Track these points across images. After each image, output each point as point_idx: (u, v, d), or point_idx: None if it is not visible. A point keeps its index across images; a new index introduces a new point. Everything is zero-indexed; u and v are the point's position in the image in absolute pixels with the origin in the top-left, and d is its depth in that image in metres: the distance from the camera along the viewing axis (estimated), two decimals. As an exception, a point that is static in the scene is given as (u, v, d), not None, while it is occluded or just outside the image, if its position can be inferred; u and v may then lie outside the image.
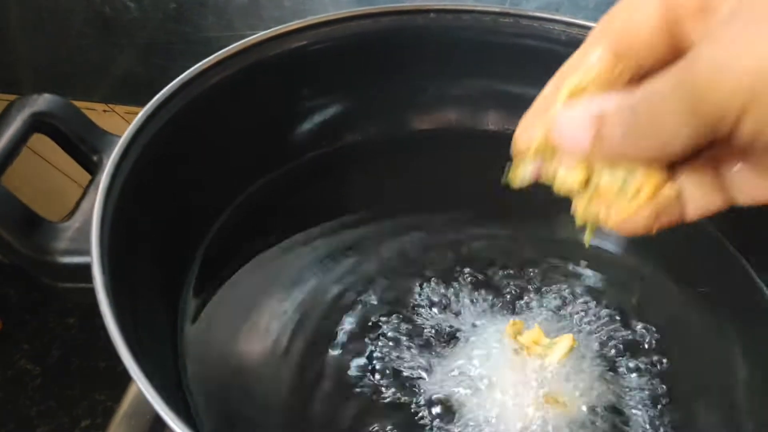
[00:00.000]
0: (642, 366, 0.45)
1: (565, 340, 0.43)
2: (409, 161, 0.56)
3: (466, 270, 0.49)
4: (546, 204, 0.53)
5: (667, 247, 0.48)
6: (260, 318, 0.46)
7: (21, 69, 0.75)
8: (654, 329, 0.47)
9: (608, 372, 0.44)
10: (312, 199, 0.53)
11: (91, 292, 0.37)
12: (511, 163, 0.32)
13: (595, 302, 0.48)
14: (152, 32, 0.71)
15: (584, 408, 0.42)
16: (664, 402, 0.43)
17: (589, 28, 0.54)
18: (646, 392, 0.43)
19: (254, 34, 0.51)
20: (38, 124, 0.45)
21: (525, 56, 0.55)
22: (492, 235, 0.52)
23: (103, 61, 0.73)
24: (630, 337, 0.46)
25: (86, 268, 0.38)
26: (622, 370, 0.44)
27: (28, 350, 0.57)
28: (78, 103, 0.48)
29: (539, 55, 0.55)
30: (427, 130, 0.58)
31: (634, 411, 0.43)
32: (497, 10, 0.55)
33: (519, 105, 0.57)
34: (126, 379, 0.34)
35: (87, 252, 0.38)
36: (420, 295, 0.47)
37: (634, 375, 0.44)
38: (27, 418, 0.53)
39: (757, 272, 0.51)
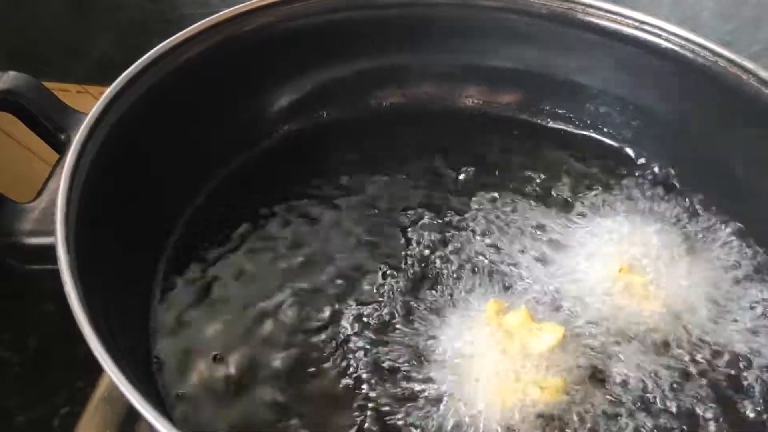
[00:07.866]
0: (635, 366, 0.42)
1: (555, 331, 0.40)
2: (388, 136, 0.55)
3: (447, 241, 0.48)
4: (530, 181, 0.53)
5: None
6: (233, 295, 0.45)
7: (-7, 50, 0.74)
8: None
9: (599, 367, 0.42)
10: (287, 175, 0.52)
11: (58, 274, 0.36)
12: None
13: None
14: (128, 12, 0.70)
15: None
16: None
17: (572, 1, 0.53)
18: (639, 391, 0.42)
19: (230, 10, 0.50)
20: (3, 102, 0.44)
21: (506, 31, 0.55)
22: (474, 208, 0.51)
23: (78, 42, 0.72)
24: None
25: (52, 249, 0.37)
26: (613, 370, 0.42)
27: (6, 339, 0.56)
28: (52, 85, 0.47)
29: (520, 29, 0.54)
30: (405, 105, 0.57)
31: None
32: (478, -16, 0.54)
33: (499, 79, 0.58)
34: (104, 365, 0.34)
35: (53, 232, 0.37)
36: (401, 265, 0.47)
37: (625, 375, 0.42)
38: (5, 407, 0.53)
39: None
